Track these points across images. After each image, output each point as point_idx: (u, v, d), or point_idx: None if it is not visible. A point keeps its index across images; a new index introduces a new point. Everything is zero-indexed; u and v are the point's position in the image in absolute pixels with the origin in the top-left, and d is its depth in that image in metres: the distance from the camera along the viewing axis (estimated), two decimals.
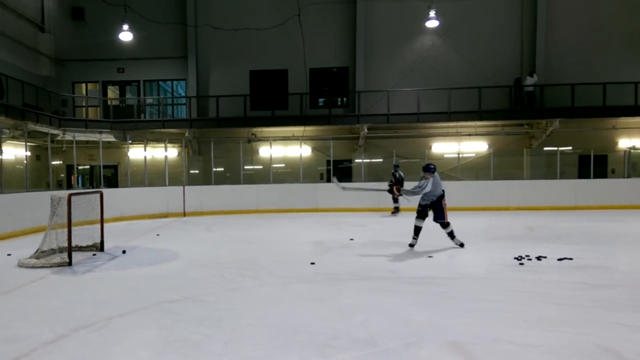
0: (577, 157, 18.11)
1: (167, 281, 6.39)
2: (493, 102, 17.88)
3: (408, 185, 15.95)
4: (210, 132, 18.91)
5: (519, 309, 4.84)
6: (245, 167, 18.06)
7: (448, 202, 8.53)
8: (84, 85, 21.11)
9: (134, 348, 3.94)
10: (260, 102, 19.53)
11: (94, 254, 8.45)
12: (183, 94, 21.11)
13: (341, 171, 19.33)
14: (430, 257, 7.78)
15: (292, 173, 18.71)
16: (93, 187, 17.87)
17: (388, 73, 19.48)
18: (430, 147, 19.01)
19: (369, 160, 18.31)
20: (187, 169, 18.64)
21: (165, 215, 15.43)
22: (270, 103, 19.20)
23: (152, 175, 16.92)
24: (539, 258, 7.36)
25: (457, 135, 19.00)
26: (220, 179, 17.96)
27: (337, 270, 6.81)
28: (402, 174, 14.93)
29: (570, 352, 3.68)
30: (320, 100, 20.41)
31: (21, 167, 15.62)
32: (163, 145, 16.97)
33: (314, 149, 19.58)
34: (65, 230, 7.64)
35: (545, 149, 18.42)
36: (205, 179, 18.45)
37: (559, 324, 4.31)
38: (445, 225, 8.46)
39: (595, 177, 16.50)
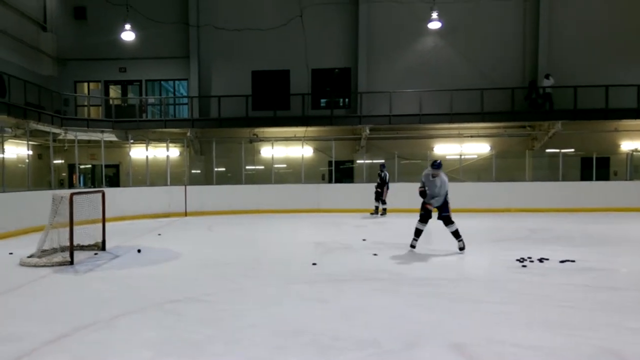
0: (579, 159, 18.08)
1: (168, 281, 6.39)
2: (495, 103, 17.84)
3: (409, 185, 16.01)
4: (212, 132, 18.91)
5: (521, 310, 4.83)
6: (247, 167, 18.06)
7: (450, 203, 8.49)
8: (86, 84, 21.12)
9: (135, 348, 3.93)
10: (262, 102, 19.52)
11: (95, 253, 8.46)
12: (185, 94, 21.12)
13: (343, 172, 19.34)
14: (432, 258, 7.77)
15: (293, 173, 18.71)
16: (94, 187, 17.90)
17: (390, 74, 19.47)
18: (432, 149, 18.99)
19: (370, 161, 18.28)
20: (188, 168, 18.63)
21: (167, 215, 15.43)
22: (272, 103, 19.19)
23: (153, 175, 16.93)
24: (541, 260, 7.35)
25: (459, 136, 18.97)
26: (222, 179, 17.96)
27: (339, 271, 6.81)
28: (387, 173, 14.89)
29: (573, 355, 3.67)
30: (322, 101, 20.41)
31: (23, 166, 15.64)
32: (165, 145, 16.99)
33: (315, 150, 19.58)
34: (67, 229, 7.65)
35: (548, 151, 18.39)
36: (207, 179, 18.45)
37: (561, 326, 4.30)
38: (449, 221, 8.22)
39: (597, 179, 16.47)
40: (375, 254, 8.09)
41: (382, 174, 14.85)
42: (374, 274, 6.65)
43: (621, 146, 18.71)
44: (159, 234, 11.26)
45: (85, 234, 8.53)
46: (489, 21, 19.21)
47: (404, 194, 16.20)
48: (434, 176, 8.14)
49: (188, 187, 16.24)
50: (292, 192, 16.81)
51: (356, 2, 19.48)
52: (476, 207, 15.61)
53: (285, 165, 19.46)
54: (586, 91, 17.35)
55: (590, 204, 15.87)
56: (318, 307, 5.02)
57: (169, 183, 16.39)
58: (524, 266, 7.02)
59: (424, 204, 8.37)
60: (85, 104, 20.51)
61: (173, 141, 18.26)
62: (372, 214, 15.13)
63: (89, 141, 18.40)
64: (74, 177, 19.01)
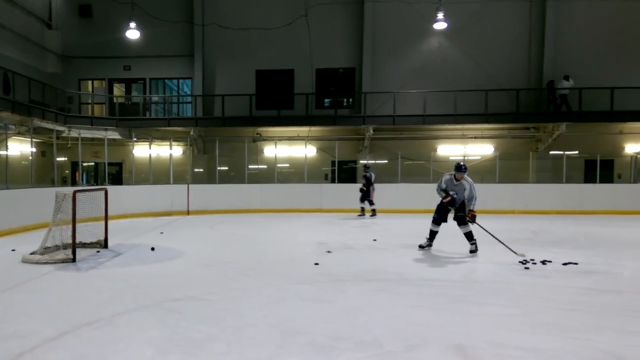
0: (583, 161, 17.98)
1: (170, 279, 6.39)
2: (499, 105, 17.78)
3: (412, 186, 15.99)
4: (215, 131, 18.91)
5: (523, 313, 4.81)
6: (250, 166, 18.07)
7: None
8: (90, 82, 21.16)
9: (137, 346, 3.94)
10: (265, 101, 19.52)
11: (98, 251, 8.48)
12: (189, 93, 21.14)
13: (346, 172, 19.32)
14: (435, 259, 7.75)
15: (296, 173, 18.70)
16: (97, 184, 17.94)
17: (394, 74, 19.42)
18: (435, 149, 18.93)
19: (373, 162, 18.22)
20: (191, 167, 18.66)
21: (169, 214, 15.45)
22: (275, 103, 19.18)
23: (156, 173, 16.96)
24: (544, 262, 7.32)
25: (463, 137, 18.92)
26: (225, 178, 17.97)
27: (341, 271, 6.79)
28: (373, 174, 14.83)
29: (575, 358, 3.65)
30: (326, 100, 20.38)
31: (26, 163, 15.67)
32: (168, 143, 17.01)
33: (319, 150, 19.56)
34: (70, 226, 7.66)
35: (552, 152, 18.30)
36: (210, 177, 18.46)
37: (564, 329, 4.27)
38: (464, 220, 8.10)
39: (601, 181, 16.39)
40: (375, 253, 8.07)
41: (368, 174, 14.80)
42: (376, 274, 6.64)
43: (625, 149, 18.60)
44: (162, 232, 11.28)
45: (88, 232, 8.54)
46: (494, 22, 19.12)
47: (406, 195, 16.25)
48: (457, 179, 8.07)
49: (191, 186, 16.25)
50: (294, 191, 16.81)
51: (361, 2, 19.43)
52: (479, 208, 15.48)
53: (288, 165, 19.45)
54: (591, 93, 17.28)
55: (593, 207, 15.80)
56: (319, 307, 5.01)
57: (171, 181, 16.41)
58: (527, 268, 6.99)
59: (440, 205, 8.27)
60: (89, 101, 20.56)
61: (176, 140, 18.27)
62: (359, 215, 15.03)
63: (92, 139, 18.43)
64: (77, 174, 19.06)
